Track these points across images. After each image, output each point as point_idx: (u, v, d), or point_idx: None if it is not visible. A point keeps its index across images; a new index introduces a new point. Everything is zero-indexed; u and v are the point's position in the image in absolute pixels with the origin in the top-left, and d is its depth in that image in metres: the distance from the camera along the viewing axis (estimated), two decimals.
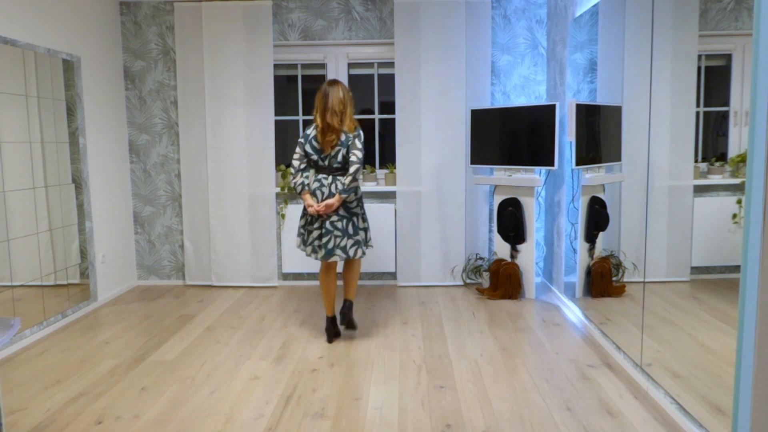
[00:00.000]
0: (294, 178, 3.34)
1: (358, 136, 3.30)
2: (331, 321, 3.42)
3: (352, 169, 3.23)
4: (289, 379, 2.90)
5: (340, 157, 3.28)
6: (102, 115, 4.32)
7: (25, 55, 3.45)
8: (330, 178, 3.29)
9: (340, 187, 3.26)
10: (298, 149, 3.35)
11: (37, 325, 3.53)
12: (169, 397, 2.70)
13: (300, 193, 3.34)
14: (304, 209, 3.39)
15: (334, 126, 3.24)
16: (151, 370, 3.02)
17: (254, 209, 4.64)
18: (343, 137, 3.26)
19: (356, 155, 3.25)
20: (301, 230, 3.43)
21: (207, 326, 3.73)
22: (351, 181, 3.24)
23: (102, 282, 4.29)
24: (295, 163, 3.34)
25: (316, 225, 3.33)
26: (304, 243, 3.41)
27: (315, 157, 3.30)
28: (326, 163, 3.30)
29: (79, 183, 3.98)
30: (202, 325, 3.75)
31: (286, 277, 4.79)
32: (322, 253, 3.29)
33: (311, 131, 3.33)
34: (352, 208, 3.34)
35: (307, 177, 3.34)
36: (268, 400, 2.66)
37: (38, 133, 3.56)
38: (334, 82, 3.32)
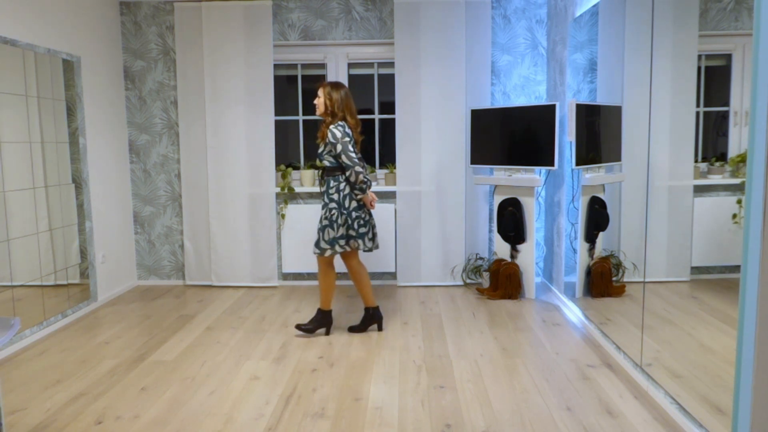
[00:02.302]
0: (365, 176, 3.31)
1: None
2: (330, 314, 3.55)
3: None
4: (289, 379, 2.90)
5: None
6: (102, 115, 4.32)
7: (25, 55, 3.45)
8: None
9: (371, 182, 3.51)
10: (352, 147, 3.29)
11: (37, 325, 3.53)
12: (169, 397, 2.70)
13: (366, 191, 3.34)
14: (359, 208, 3.36)
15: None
16: (151, 370, 3.02)
17: (254, 209, 4.64)
18: None
19: None
20: (364, 229, 3.38)
21: (207, 326, 3.73)
22: None
23: (102, 282, 4.29)
24: (357, 161, 3.29)
25: (368, 218, 3.45)
26: (369, 238, 3.40)
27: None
28: None
29: (79, 183, 3.98)
30: (202, 325, 3.75)
31: (286, 277, 4.79)
32: (376, 242, 3.50)
33: (348, 130, 3.32)
34: None
35: None
36: (268, 400, 2.66)
37: (38, 133, 3.56)
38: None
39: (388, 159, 4.82)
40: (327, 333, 3.53)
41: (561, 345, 3.29)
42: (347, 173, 3.28)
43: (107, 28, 4.43)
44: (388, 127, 4.79)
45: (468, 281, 4.66)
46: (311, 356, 3.19)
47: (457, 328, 3.63)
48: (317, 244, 3.38)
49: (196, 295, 4.49)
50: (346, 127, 3.31)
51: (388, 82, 4.75)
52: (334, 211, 3.32)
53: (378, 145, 4.81)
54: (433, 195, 4.58)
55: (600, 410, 2.50)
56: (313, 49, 4.67)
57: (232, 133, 4.58)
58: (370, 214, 3.45)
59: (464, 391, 2.71)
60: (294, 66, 4.78)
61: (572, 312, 3.80)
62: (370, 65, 4.76)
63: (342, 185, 3.33)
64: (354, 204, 3.34)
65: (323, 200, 3.40)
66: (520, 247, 4.25)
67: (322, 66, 4.72)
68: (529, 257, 4.22)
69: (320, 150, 3.39)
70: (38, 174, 3.57)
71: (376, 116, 4.79)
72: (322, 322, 3.50)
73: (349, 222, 3.34)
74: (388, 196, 4.70)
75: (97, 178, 4.25)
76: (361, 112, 4.75)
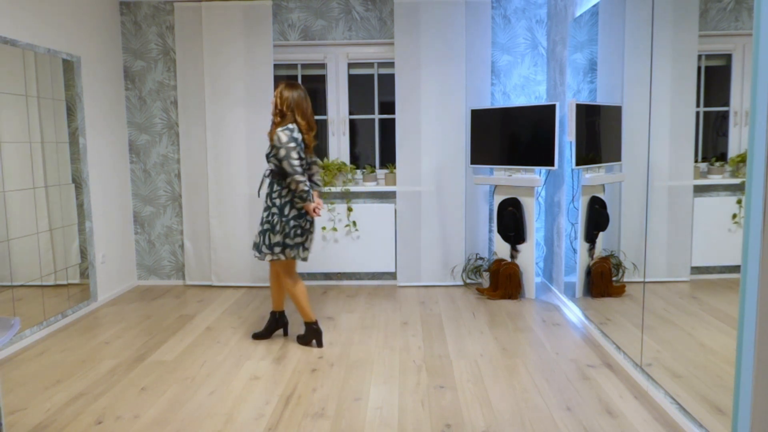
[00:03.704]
0: (305, 185, 3.11)
1: None
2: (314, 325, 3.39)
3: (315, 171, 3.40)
4: (289, 379, 2.90)
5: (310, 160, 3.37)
6: (102, 115, 4.32)
7: (25, 55, 3.45)
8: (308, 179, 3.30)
9: (321, 186, 3.46)
10: (296, 154, 3.09)
11: (37, 325, 3.53)
12: (169, 397, 2.70)
13: (307, 200, 3.14)
14: (299, 217, 3.20)
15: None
16: (151, 370, 3.02)
17: (254, 209, 4.63)
18: None
19: None
20: (300, 239, 3.24)
21: (207, 326, 3.73)
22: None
23: (102, 282, 4.29)
24: (300, 170, 3.09)
25: (308, 226, 3.27)
26: (304, 248, 3.27)
27: (303, 161, 3.21)
28: (305, 166, 3.29)
29: (79, 183, 3.98)
30: (202, 325, 3.75)
31: None
32: (309, 252, 3.34)
33: (297, 135, 3.15)
34: None
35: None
36: (268, 400, 2.66)
37: (38, 133, 3.56)
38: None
39: (388, 159, 4.82)
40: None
41: (561, 345, 3.29)
42: (288, 180, 3.13)
43: (107, 28, 4.43)
44: (388, 127, 4.79)
45: (468, 281, 4.66)
46: (311, 356, 3.19)
47: (457, 328, 3.63)
48: (258, 248, 3.23)
49: (196, 295, 4.49)
50: (295, 131, 3.14)
51: (388, 82, 4.75)
52: (275, 216, 3.17)
53: (378, 145, 4.81)
54: (433, 195, 4.58)
55: (600, 410, 2.50)
56: (313, 49, 4.67)
57: (232, 133, 4.58)
58: (312, 223, 3.27)
59: (464, 391, 2.71)
60: (294, 66, 4.78)
61: (572, 312, 3.80)
62: (370, 65, 4.76)
63: (284, 191, 3.18)
64: (294, 212, 3.18)
65: (265, 203, 3.24)
66: (520, 247, 4.25)
67: (322, 66, 4.72)
68: (529, 257, 4.22)
69: (267, 151, 3.22)
70: (38, 174, 3.56)
71: (376, 116, 4.79)
72: (310, 334, 3.36)
73: (287, 230, 3.18)
74: (388, 196, 4.70)
75: (97, 178, 4.24)
76: (355, 113, 4.76)
